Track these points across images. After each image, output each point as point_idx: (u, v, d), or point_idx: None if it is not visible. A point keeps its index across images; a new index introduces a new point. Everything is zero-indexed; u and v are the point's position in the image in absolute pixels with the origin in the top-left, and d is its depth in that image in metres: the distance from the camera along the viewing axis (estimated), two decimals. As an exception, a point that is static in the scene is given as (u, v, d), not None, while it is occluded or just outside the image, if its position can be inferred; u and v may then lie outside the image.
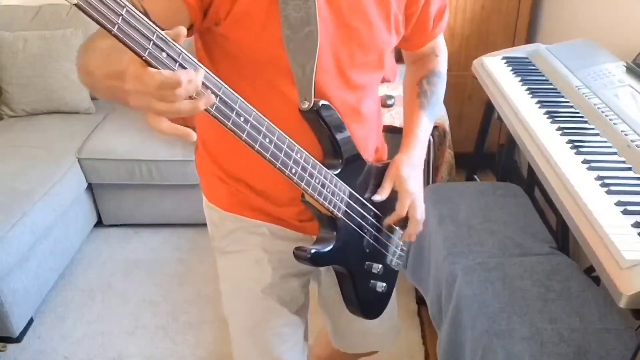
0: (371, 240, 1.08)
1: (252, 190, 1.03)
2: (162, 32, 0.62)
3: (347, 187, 0.99)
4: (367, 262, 1.08)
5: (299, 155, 0.87)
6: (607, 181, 1.17)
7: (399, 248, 1.15)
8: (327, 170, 0.94)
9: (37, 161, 2.28)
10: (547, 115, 1.49)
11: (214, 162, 1.06)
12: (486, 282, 1.39)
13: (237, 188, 1.04)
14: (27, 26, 2.70)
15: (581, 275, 1.41)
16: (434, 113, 1.14)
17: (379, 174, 1.06)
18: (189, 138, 0.66)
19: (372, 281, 1.11)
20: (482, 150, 2.22)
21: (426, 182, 2.25)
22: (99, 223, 2.63)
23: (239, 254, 1.10)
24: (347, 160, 0.98)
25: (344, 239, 1.01)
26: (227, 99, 0.72)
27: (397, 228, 1.12)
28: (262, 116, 0.79)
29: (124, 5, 0.59)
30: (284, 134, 0.83)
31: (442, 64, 1.17)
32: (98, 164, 2.41)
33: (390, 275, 1.15)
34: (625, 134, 1.32)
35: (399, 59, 2.42)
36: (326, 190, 0.94)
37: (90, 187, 2.50)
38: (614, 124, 1.37)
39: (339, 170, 0.97)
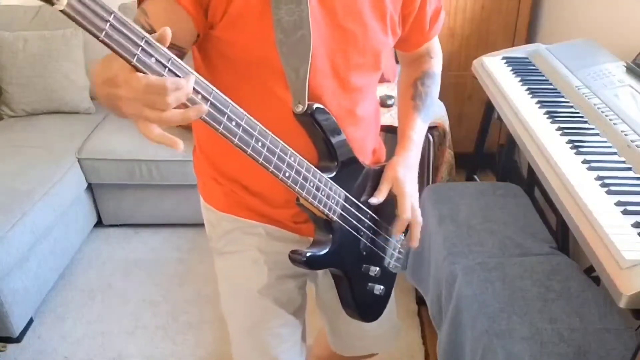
0: (368, 243, 1.07)
1: (248, 192, 1.03)
2: (150, 38, 0.63)
3: (343, 190, 0.99)
4: (364, 265, 1.08)
5: (292, 159, 0.86)
6: (607, 181, 1.17)
7: (397, 251, 1.15)
8: (322, 174, 0.94)
9: (37, 161, 2.28)
10: (547, 115, 1.49)
11: (209, 164, 1.06)
12: (486, 282, 1.39)
13: (232, 189, 1.04)
14: (27, 26, 2.70)
15: (581, 275, 1.41)
16: (429, 114, 1.14)
17: (376, 176, 1.06)
18: (176, 147, 0.66)
19: (369, 284, 1.10)
20: (482, 150, 2.22)
21: (426, 182, 2.25)
22: (99, 223, 2.63)
23: (235, 254, 1.10)
24: (343, 163, 0.98)
25: (340, 241, 1.00)
26: (218, 104, 0.73)
27: (394, 231, 1.11)
28: (255, 120, 0.79)
29: (111, 11, 0.59)
30: (277, 138, 0.83)
31: (436, 66, 1.17)
32: (98, 164, 2.41)
33: (388, 278, 1.15)
34: (625, 134, 1.32)
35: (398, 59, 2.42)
36: (321, 194, 0.93)
37: (90, 187, 2.50)
38: (614, 124, 1.37)
39: (334, 173, 0.97)
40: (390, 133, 1.87)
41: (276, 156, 0.84)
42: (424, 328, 2.00)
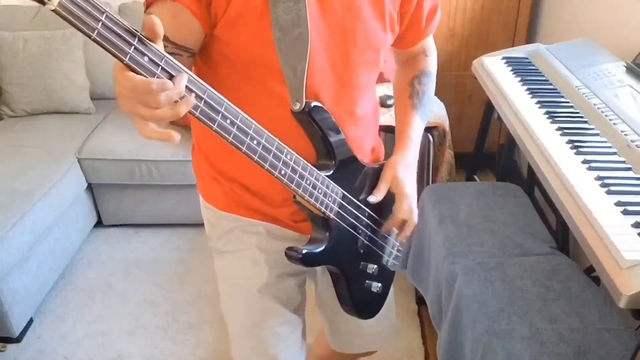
0: (366, 241, 1.08)
1: (247, 190, 1.03)
2: (144, 37, 0.64)
3: (340, 188, 0.99)
4: (361, 263, 1.08)
5: (288, 157, 0.87)
6: (607, 181, 1.17)
7: (395, 249, 1.15)
8: (319, 172, 0.94)
9: (37, 161, 2.28)
10: (547, 116, 1.49)
11: (208, 162, 1.06)
12: (486, 282, 1.38)
13: (231, 188, 1.04)
14: (27, 26, 2.70)
15: (581, 275, 1.41)
16: (426, 113, 1.15)
17: (374, 175, 1.06)
18: (172, 140, 0.67)
19: (367, 281, 1.11)
20: (482, 150, 2.22)
21: (426, 182, 2.25)
22: (99, 223, 2.63)
23: (235, 253, 1.10)
24: (341, 161, 0.98)
25: (336, 239, 1.01)
26: (212, 102, 0.73)
27: (384, 228, 1.12)
28: (250, 119, 0.79)
29: (103, 11, 0.60)
30: (273, 136, 0.84)
31: (432, 64, 1.17)
32: (98, 164, 2.41)
33: (386, 276, 1.15)
34: (625, 134, 1.32)
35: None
36: (317, 192, 0.94)
37: (90, 187, 2.50)
38: (614, 124, 1.37)
39: (332, 171, 0.97)
40: (390, 133, 1.87)
41: (271, 154, 0.84)
42: (424, 328, 2.00)
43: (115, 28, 0.61)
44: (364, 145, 1.07)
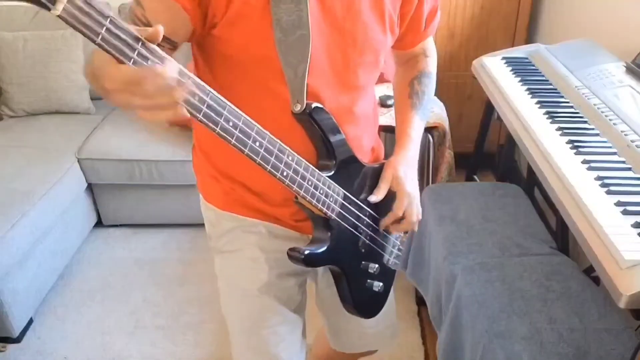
0: (367, 241, 1.08)
1: (247, 190, 1.03)
2: (147, 42, 0.63)
3: (341, 188, 0.99)
4: (363, 262, 1.08)
5: (290, 158, 0.87)
6: (606, 181, 1.17)
7: (396, 248, 1.15)
8: (320, 173, 0.94)
9: (37, 161, 2.28)
10: (547, 116, 1.49)
11: (208, 162, 1.06)
12: (486, 282, 1.39)
13: (231, 187, 1.04)
14: (27, 26, 2.70)
15: (581, 275, 1.41)
16: (426, 113, 1.15)
17: (374, 174, 1.06)
18: (178, 114, 0.65)
19: (368, 281, 1.11)
20: (482, 151, 2.22)
21: (426, 182, 2.25)
22: (99, 223, 2.62)
23: (235, 253, 1.10)
24: (341, 162, 0.98)
25: (338, 239, 1.01)
26: (215, 105, 0.73)
27: (382, 224, 1.12)
28: (252, 120, 0.79)
29: (107, 15, 0.60)
30: (275, 138, 0.84)
31: (432, 65, 1.18)
32: (98, 164, 2.41)
33: (387, 275, 1.15)
34: (625, 134, 1.32)
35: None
36: (319, 192, 0.94)
37: (90, 187, 2.50)
38: (614, 124, 1.37)
39: (333, 172, 0.97)
40: (390, 133, 1.87)
41: (274, 156, 0.84)
42: (424, 328, 2.00)
43: (119, 32, 0.61)
44: (364, 144, 1.07)
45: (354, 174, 1.03)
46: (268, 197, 1.03)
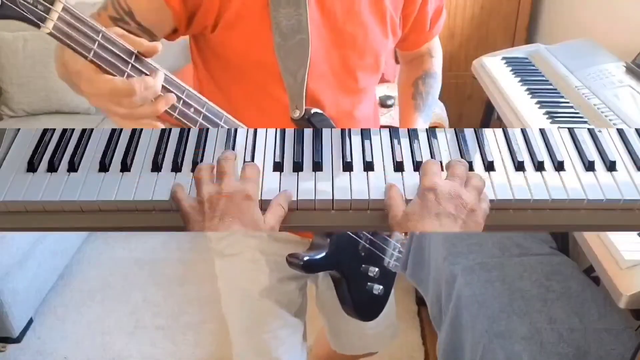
0: (367, 244, 1.07)
1: None
2: (141, 54, 0.63)
3: None
4: (363, 266, 1.08)
5: None
6: (606, 181, 1.16)
7: (397, 250, 1.15)
8: None
9: (37, 161, 2.28)
10: (546, 116, 1.49)
11: None
12: (486, 282, 1.38)
13: None
14: (27, 26, 2.67)
15: (581, 275, 1.41)
16: (429, 114, 1.14)
17: None
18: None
19: (368, 284, 1.10)
20: (482, 151, 2.21)
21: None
22: (99, 223, 2.62)
23: (236, 256, 1.10)
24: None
25: (337, 244, 1.00)
26: (191, 102, 0.72)
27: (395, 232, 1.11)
28: (236, 120, 0.78)
29: (99, 30, 0.59)
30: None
31: (437, 65, 1.16)
32: (98, 164, 2.40)
33: (387, 278, 1.14)
34: (625, 134, 1.32)
35: (397, 59, 2.42)
36: None
37: (90, 187, 2.50)
38: (614, 124, 1.37)
39: None
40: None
41: None
42: (424, 328, 2.00)
43: (112, 47, 0.60)
44: None
45: None
46: None
